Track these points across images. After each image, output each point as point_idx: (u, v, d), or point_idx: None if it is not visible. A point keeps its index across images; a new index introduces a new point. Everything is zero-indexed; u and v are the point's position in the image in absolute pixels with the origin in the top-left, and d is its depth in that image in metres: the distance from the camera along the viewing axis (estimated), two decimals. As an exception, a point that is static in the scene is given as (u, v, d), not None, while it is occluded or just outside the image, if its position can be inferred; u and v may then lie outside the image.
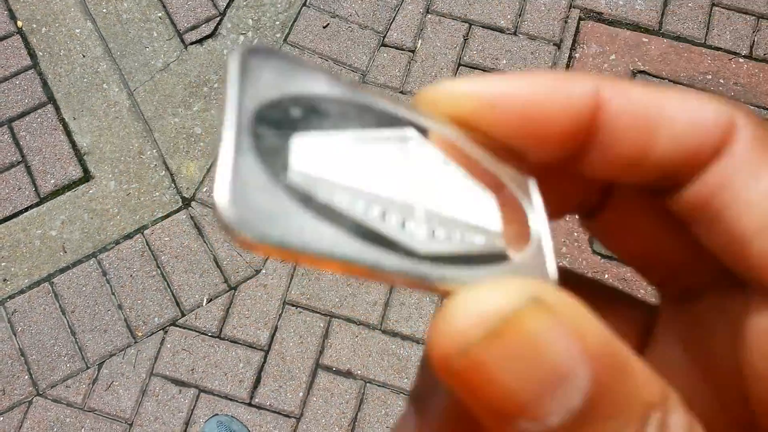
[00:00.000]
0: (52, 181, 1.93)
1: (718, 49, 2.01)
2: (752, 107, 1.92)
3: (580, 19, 2.06)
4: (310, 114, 0.18)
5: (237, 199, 0.15)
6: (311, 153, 0.17)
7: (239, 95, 0.17)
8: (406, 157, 0.19)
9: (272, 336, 1.77)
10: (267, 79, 0.17)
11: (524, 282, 0.17)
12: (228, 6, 2.09)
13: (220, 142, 0.16)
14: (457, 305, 0.17)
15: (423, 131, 0.20)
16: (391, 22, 2.06)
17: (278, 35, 2.06)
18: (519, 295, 0.17)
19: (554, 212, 0.24)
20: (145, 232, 1.87)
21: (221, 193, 0.15)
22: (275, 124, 0.17)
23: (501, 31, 2.06)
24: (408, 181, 0.19)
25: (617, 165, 0.21)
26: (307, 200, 0.16)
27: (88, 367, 1.75)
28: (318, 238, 0.16)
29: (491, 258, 0.19)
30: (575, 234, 1.84)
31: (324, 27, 2.06)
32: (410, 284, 0.18)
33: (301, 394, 1.71)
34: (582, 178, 0.23)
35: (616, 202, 0.25)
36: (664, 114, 0.20)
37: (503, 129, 0.20)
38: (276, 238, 0.15)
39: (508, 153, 0.21)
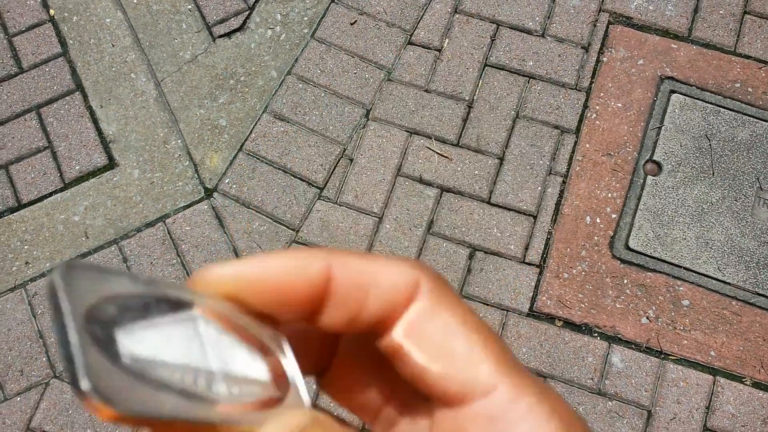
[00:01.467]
0: (77, 168, 1.95)
1: (748, 57, 1.98)
2: (781, 117, 1.90)
3: (609, 23, 2.04)
4: (123, 309, 0.23)
5: (91, 381, 0.20)
6: (132, 341, 0.22)
7: (71, 304, 0.21)
8: (197, 332, 0.25)
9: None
10: (85, 287, 0.22)
11: (280, 423, 0.24)
12: (257, 1, 2.10)
13: (68, 343, 0.20)
14: None
15: (203, 309, 0.26)
16: (419, 21, 2.06)
17: (305, 30, 2.07)
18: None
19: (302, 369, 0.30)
20: (167, 220, 1.89)
21: (81, 379, 0.20)
22: (101, 321, 0.22)
23: (529, 32, 2.05)
24: (204, 352, 0.24)
25: (343, 320, 0.27)
26: (141, 376, 0.21)
27: (105, 352, 1.75)
28: (156, 403, 0.21)
29: (271, 401, 0.25)
30: (595, 238, 1.83)
31: (351, 24, 2.07)
32: (222, 426, 0.23)
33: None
34: (315, 341, 0.31)
35: (339, 361, 0.31)
36: (373, 280, 0.26)
37: (259, 300, 0.26)
38: (126, 408, 0.20)
39: (266, 318, 0.27)
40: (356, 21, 2.07)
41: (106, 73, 2.06)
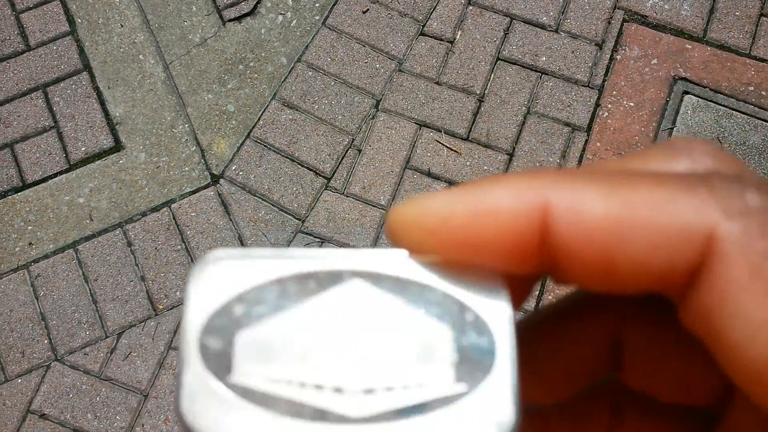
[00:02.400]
0: (83, 149, 1.93)
1: (762, 60, 1.97)
2: (794, 122, 1.88)
3: (623, 20, 2.02)
4: (253, 306, 0.21)
5: (189, 410, 0.19)
6: (251, 346, 0.20)
7: (190, 315, 0.20)
8: (346, 314, 0.21)
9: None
10: (215, 287, 0.21)
11: None
12: (269, -15, 2.07)
13: (180, 361, 0.20)
14: None
15: (373, 276, 0.21)
16: (432, 11, 2.04)
17: (317, 17, 2.05)
18: None
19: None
20: (173, 206, 1.87)
21: (179, 404, 0.19)
22: (221, 330, 0.20)
23: (542, 27, 2.03)
24: (347, 340, 0.20)
25: (584, 279, 0.20)
26: (247, 393, 0.19)
27: (107, 336, 1.75)
28: (254, 428, 0.19)
29: (436, 403, 0.20)
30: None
31: (363, 12, 2.05)
32: None
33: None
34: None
35: (634, 342, 0.23)
36: (624, 233, 0.18)
37: (449, 253, 0.20)
38: None
39: (473, 271, 0.21)
40: (368, 9, 2.05)
41: (114, 54, 2.03)
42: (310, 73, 1.99)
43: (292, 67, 2.00)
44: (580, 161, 1.89)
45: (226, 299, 0.21)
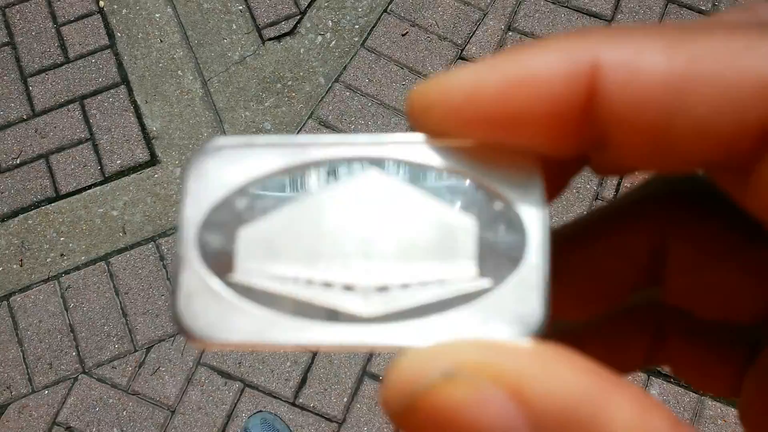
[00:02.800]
0: (119, 162, 1.93)
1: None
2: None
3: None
4: (256, 199, 0.19)
5: (185, 311, 0.18)
6: (255, 243, 0.18)
7: (188, 210, 0.19)
8: (359, 205, 0.19)
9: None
10: (215, 179, 0.19)
11: (448, 349, 0.16)
12: (309, 5, 2.08)
13: (177, 259, 0.18)
14: (390, 372, 0.16)
15: (390, 162, 0.19)
16: (471, 36, 2.04)
17: (356, 39, 2.05)
18: (435, 366, 0.16)
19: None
20: (206, 221, 1.86)
21: (174, 306, 0.18)
22: (221, 226, 0.18)
23: (582, 55, 2.02)
24: (360, 234, 0.19)
25: (635, 152, 0.17)
26: (249, 293, 0.18)
27: (135, 350, 1.73)
28: (258, 329, 0.18)
29: (456, 300, 0.18)
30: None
31: (403, 35, 2.05)
32: (355, 350, 0.18)
33: (345, 399, 1.68)
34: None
35: (677, 252, 0.21)
36: (689, 91, 0.15)
37: (477, 133, 0.18)
38: (220, 339, 0.18)
39: (504, 155, 0.18)
40: (407, 32, 2.05)
41: (153, 69, 2.04)
42: (348, 93, 1.99)
43: (330, 87, 2.00)
44: (617, 189, 1.87)
45: (227, 192, 0.19)
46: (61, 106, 2.01)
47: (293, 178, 0.19)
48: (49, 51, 2.09)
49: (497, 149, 0.18)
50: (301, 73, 2.02)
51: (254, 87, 2.01)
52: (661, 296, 0.22)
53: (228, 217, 0.19)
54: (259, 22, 2.08)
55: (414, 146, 0.19)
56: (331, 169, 0.19)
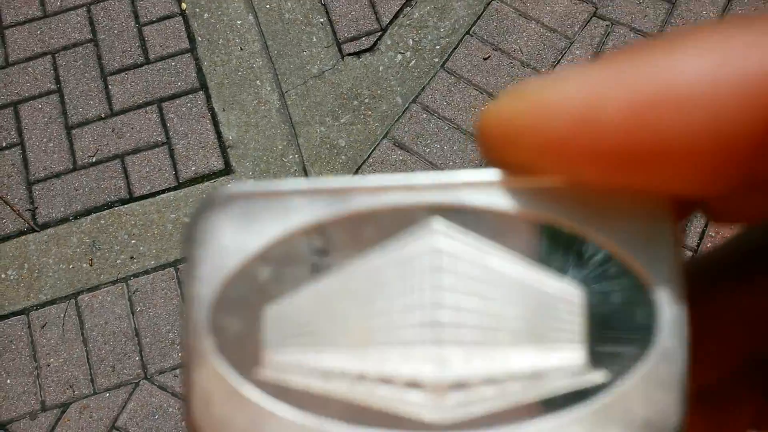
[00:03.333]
0: (193, 168, 1.94)
1: None
2: None
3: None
4: (284, 266, 0.14)
5: (205, 421, 0.14)
6: (286, 326, 0.14)
7: (196, 285, 0.14)
8: (423, 271, 0.14)
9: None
10: (228, 242, 0.14)
11: None
12: (391, 23, 2.06)
13: (186, 346, 0.14)
14: None
15: (459, 211, 0.14)
16: (556, 64, 1.99)
17: (436, 60, 2.02)
18: None
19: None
20: (275, 235, 1.86)
21: (190, 413, 0.14)
22: (241, 304, 0.14)
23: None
24: (427, 312, 0.13)
25: None
26: (284, 393, 0.14)
27: (198, 361, 1.73)
28: None
29: (560, 401, 0.13)
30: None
31: (485, 59, 2.01)
32: None
33: None
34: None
35: None
36: None
37: (590, 171, 0.12)
38: None
39: (619, 199, 0.13)
40: (490, 56, 2.02)
41: (232, 77, 2.04)
42: (425, 115, 1.97)
43: (407, 108, 1.97)
44: (701, 239, 1.81)
45: (245, 258, 0.15)
46: (139, 107, 2.02)
47: (331, 236, 0.15)
48: (130, 51, 2.10)
49: (610, 191, 0.13)
50: (379, 91, 2.00)
51: (331, 102, 1.99)
52: None
53: (249, 293, 0.15)
54: (340, 37, 2.06)
55: (493, 188, 0.14)
56: (382, 222, 0.14)
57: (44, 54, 2.12)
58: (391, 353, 0.14)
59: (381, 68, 2.03)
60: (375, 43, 2.05)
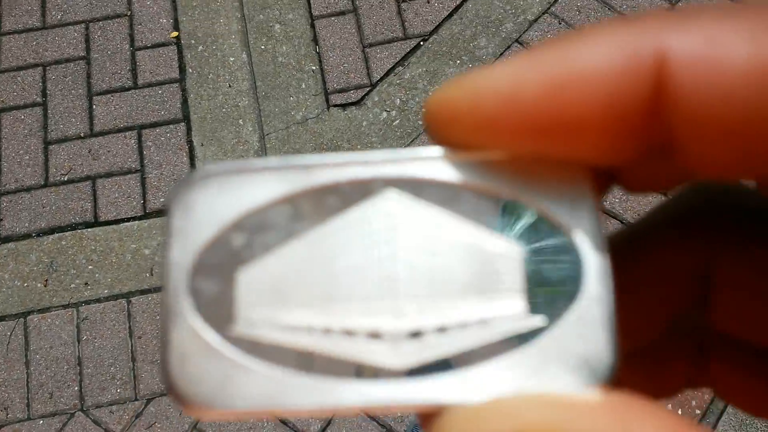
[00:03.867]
0: (162, 200, 1.92)
1: None
2: None
3: None
4: (256, 233, 0.16)
5: (180, 374, 0.15)
6: (257, 286, 0.15)
7: (175, 252, 0.16)
8: (380, 235, 0.16)
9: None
10: (205, 213, 0.16)
11: (506, 408, 0.13)
12: (381, 79, 2.06)
13: (165, 312, 0.15)
14: None
15: (411, 183, 0.16)
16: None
17: (420, 122, 2.01)
18: (494, 429, 0.12)
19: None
20: (233, 279, 1.84)
21: (166, 369, 0.15)
22: (216, 268, 0.16)
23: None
24: (383, 270, 0.15)
25: (711, 157, 0.14)
26: (255, 348, 0.15)
27: (136, 399, 1.70)
28: (268, 393, 0.15)
29: (505, 344, 0.15)
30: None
31: (468, 128, 2.01)
32: (386, 411, 0.15)
33: (334, 498, 1.62)
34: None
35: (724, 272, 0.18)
36: None
37: (517, 144, 0.15)
38: (224, 406, 0.15)
39: (546, 168, 0.15)
40: (474, 126, 2.01)
41: (216, 112, 2.04)
42: (401, 176, 1.96)
43: (385, 166, 1.96)
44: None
45: (220, 227, 0.16)
46: (119, 131, 2.02)
47: (298, 206, 0.16)
48: (120, 73, 2.11)
49: (537, 161, 0.15)
50: (359, 146, 1.99)
51: (309, 151, 1.98)
52: (705, 319, 0.20)
53: (223, 258, 0.16)
54: (329, 87, 2.06)
55: (439, 162, 0.16)
56: (343, 193, 0.16)
57: (36, 65, 2.12)
58: (353, 307, 0.15)
59: (365, 123, 2.02)
60: (362, 98, 2.05)
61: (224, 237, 0.16)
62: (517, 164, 0.16)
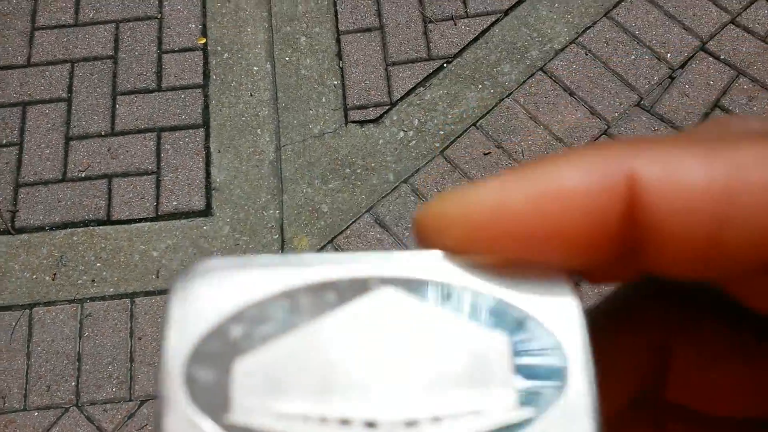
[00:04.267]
0: (175, 203, 1.94)
1: None
2: None
3: None
4: (254, 326, 0.16)
5: None
6: (254, 376, 0.16)
7: (172, 340, 0.16)
8: (375, 330, 0.17)
9: None
10: (205, 304, 0.17)
11: None
12: (401, 99, 2.06)
13: (160, 398, 0.15)
14: None
15: (405, 282, 0.17)
16: (553, 175, 1.97)
17: (437, 144, 2.01)
18: None
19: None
20: (237, 287, 1.85)
21: None
22: (213, 358, 0.16)
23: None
24: (378, 362, 0.16)
25: (679, 262, 0.16)
26: None
27: (131, 399, 1.72)
28: None
29: None
30: None
31: (485, 154, 1.99)
32: None
33: None
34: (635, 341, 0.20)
35: (683, 353, 0.20)
36: (736, 199, 0.15)
37: (503, 250, 0.17)
38: None
39: (529, 269, 0.17)
40: (491, 152, 2.00)
41: (235, 120, 2.05)
42: (412, 197, 1.95)
43: (396, 186, 1.96)
44: None
45: (219, 318, 0.16)
46: (139, 132, 2.05)
47: (296, 301, 0.17)
48: (145, 75, 2.13)
49: (522, 265, 0.17)
50: (373, 164, 1.99)
51: (324, 165, 1.99)
52: (661, 393, 0.22)
53: (221, 348, 0.16)
54: (348, 102, 2.07)
55: (432, 263, 0.17)
56: (340, 289, 0.17)
57: (64, 61, 2.16)
58: (350, 397, 0.16)
59: (381, 141, 2.02)
60: (381, 116, 2.05)
61: (222, 328, 0.17)
62: (503, 266, 0.17)
